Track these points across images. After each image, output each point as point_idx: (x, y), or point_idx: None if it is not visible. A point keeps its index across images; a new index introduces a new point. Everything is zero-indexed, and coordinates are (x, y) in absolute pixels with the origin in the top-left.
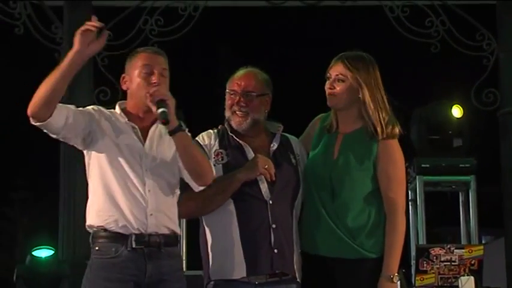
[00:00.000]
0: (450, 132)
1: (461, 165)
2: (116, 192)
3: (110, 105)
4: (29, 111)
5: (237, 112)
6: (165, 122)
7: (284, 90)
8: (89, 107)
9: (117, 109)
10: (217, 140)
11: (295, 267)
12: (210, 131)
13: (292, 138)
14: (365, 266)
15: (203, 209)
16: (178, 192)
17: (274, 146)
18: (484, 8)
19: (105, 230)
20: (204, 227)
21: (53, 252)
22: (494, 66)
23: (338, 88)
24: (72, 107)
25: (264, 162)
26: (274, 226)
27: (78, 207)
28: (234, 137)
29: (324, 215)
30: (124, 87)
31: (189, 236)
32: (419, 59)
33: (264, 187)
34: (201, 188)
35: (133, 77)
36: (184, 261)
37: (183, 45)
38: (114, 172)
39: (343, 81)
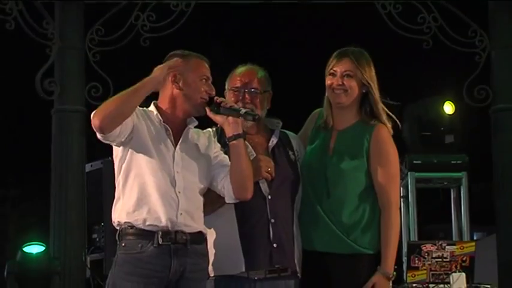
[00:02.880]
0: (442, 128)
1: (453, 162)
2: (150, 191)
3: (101, 101)
4: (100, 124)
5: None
6: (255, 119)
7: (277, 87)
8: None
9: (153, 108)
10: (216, 138)
11: (295, 261)
12: (209, 129)
13: (291, 134)
14: (360, 261)
15: (204, 211)
16: (202, 197)
17: (273, 142)
18: (476, 5)
19: (133, 227)
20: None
21: (44, 248)
22: (486, 63)
23: (348, 84)
24: None
25: (266, 164)
26: (273, 221)
27: (70, 203)
28: None
29: (319, 211)
30: (176, 86)
31: None
32: (411, 55)
33: (262, 183)
34: (236, 201)
35: (192, 80)
36: None
37: (175, 41)
38: (148, 172)
39: (351, 77)
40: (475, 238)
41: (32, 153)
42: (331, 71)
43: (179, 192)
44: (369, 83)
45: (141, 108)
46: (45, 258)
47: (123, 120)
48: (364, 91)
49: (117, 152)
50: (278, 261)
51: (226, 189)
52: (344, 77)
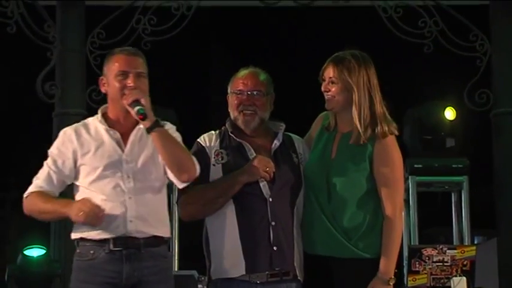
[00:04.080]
0: (443, 132)
1: (454, 166)
2: (98, 202)
3: (102, 104)
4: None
5: (245, 111)
6: (143, 118)
7: (281, 90)
8: (62, 138)
9: (99, 115)
10: (218, 141)
11: (295, 265)
12: (212, 132)
13: (295, 137)
14: (360, 266)
15: (204, 212)
16: (164, 194)
17: (276, 145)
18: (477, 9)
19: (86, 239)
20: (207, 228)
21: (44, 251)
22: (487, 67)
23: (332, 90)
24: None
25: (264, 164)
26: (273, 224)
27: None
28: (234, 137)
29: (321, 214)
30: (103, 90)
31: (182, 237)
32: (412, 59)
33: (263, 185)
34: (184, 184)
35: (111, 80)
36: (176, 262)
37: (176, 44)
38: (93, 184)
39: (335, 83)
40: (475, 242)
41: (32, 155)
42: (322, 77)
43: (130, 198)
44: (352, 88)
45: (81, 124)
46: (45, 261)
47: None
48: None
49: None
50: (278, 264)
51: (172, 177)
52: (329, 83)
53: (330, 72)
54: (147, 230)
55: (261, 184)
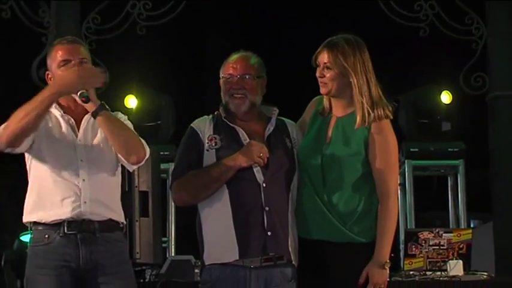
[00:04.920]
0: (439, 116)
1: (449, 150)
2: (49, 187)
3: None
4: (5, 141)
5: (235, 95)
6: (85, 100)
7: (275, 75)
8: None
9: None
10: (212, 126)
11: (290, 250)
12: (205, 117)
13: (288, 122)
14: (355, 250)
15: (197, 197)
16: (118, 179)
17: (270, 129)
18: None
19: (39, 223)
20: (200, 213)
21: None
22: (483, 51)
23: (327, 76)
24: None
25: (258, 149)
26: (267, 209)
27: None
28: (227, 122)
29: (316, 198)
30: (50, 83)
31: (178, 222)
32: (408, 43)
33: (257, 170)
34: (135, 166)
35: (54, 70)
36: (173, 247)
37: (171, 29)
38: (47, 168)
39: (330, 68)
40: (471, 226)
41: None
42: (316, 62)
43: (83, 180)
44: (348, 72)
45: None
46: None
47: (31, 132)
48: (349, 81)
49: (26, 160)
50: (272, 249)
51: (122, 160)
52: (324, 68)
53: (324, 57)
54: (102, 212)
55: (255, 169)
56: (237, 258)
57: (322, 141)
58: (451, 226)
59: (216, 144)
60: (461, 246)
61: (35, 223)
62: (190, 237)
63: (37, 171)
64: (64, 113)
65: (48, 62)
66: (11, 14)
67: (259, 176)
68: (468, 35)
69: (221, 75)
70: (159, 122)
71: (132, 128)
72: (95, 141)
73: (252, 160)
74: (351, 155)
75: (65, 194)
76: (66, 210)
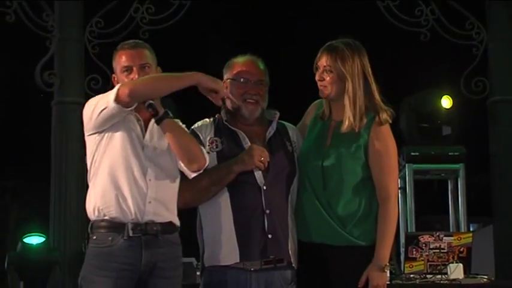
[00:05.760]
0: (439, 120)
1: (450, 154)
2: (119, 180)
3: (101, 93)
4: (128, 96)
5: (249, 100)
6: (155, 114)
7: (276, 79)
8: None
9: None
10: (213, 128)
11: (290, 252)
12: (206, 119)
13: (289, 125)
14: (355, 253)
15: (199, 199)
16: (177, 184)
17: (270, 133)
18: None
19: (104, 219)
20: (200, 216)
21: (44, 239)
22: (484, 55)
23: (327, 79)
24: None
25: (259, 153)
26: (268, 212)
27: (70, 194)
28: (228, 125)
29: (316, 202)
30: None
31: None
32: (409, 47)
33: (258, 173)
34: (195, 174)
35: (119, 76)
36: None
37: (174, 33)
38: (120, 160)
39: (330, 72)
40: (471, 229)
41: (31, 144)
42: (316, 65)
43: (149, 180)
44: (345, 77)
45: None
46: (45, 249)
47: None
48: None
49: (92, 140)
50: (273, 252)
51: (182, 166)
52: (324, 72)
53: (323, 61)
54: (165, 214)
55: (256, 173)
56: (238, 260)
57: (322, 145)
58: (451, 230)
59: (217, 147)
60: (461, 249)
61: (100, 219)
62: (192, 240)
63: (110, 160)
64: (134, 111)
65: (114, 65)
66: (15, 17)
67: (259, 179)
68: (469, 40)
69: (230, 76)
70: None
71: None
72: (160, 145)
73: (253, 164)
74: (351, 159)
75: (133, 190)
76: (132, 207)
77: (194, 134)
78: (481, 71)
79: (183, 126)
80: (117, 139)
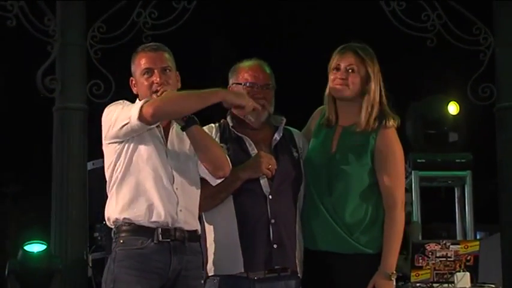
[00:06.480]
0: (446, 127)
1: (457, 161)
2: (148, 186)
3: (103, 98)
4: (151, 116)
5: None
6: (186, 121)
7: (280, 83)
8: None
9: None
10: (219, 134)
11: (296, 261)
12: (212, 124)
13: (294, 131)
14: (362, 261)
15: (203, 206)
16: (199, 191)
17: (276, 139)
18: (480, 2)
19: (130, 223)
20: (204, 223)
21: (45, 246)
22: (491, 61)
23: (351, 79)
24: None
25: (267, 161)
26: (273, 221)
27: (71, 201)
28: (235, 131)
29: (322, 209)
30: (134, 90)
31: None
32: (415, 53)
33: (263, 181)
34: (219, 181)
35: (138, 78)
36: None
37: (177, 38)
38: (148, 168)
39: (354, 71)
40: (478, 237)
41: (33, 150)
42: (335, 65)
43: (177, 188)
44: (369, 77)
45: None
46: (46, 256)
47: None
48: (367, 86)
49: (112, 149)
50: (278, 262)
51: (206, 173)
52: (348, 71)
53: (348, 60)
54: (192, 222)
55: (261, 181)
56: (242, 270)
57: (327, 151)
58: (458, 238)
59: None
60: (468, 258)
61: (126, 224)
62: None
63: (135, 170)
64: None
65: (132, 68)
66: (16, 22)
67: (265, 187)
68: (476, 45)
69: (236, 81)
70: None
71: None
72: (182, 152)
73: (260, 171)
74: (358, 165)
75: (164, 198)
76: (164, 214)
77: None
78: (488, 76)
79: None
80: (142, 147)
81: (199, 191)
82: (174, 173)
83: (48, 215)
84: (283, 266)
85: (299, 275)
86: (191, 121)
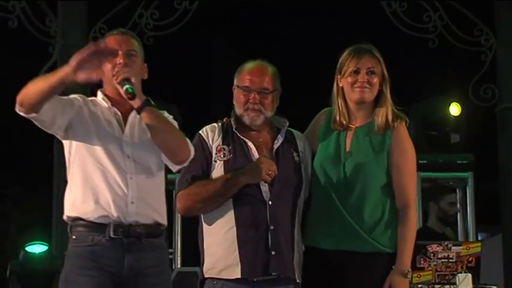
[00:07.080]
0: (447, 128)
1: (458, 162)
2: (95, 180)
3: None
4: (19, 104)
5: (250, 109)
6: (131, 97)
7: (282, 85)
8: (71, 95)
9: (99, 95)
10: (221, 135)
11: (294, 268)
12: (214, 124)
13: (297, 134)
14: (379, 260)
15: (202, 208)
16: (163, 180)
17: (278, 142)
18: (482, 3)
19: (83, 219)
20: (202, 224)
21: (46, 248)
22: (493, 62)
23: (372, 81)
24: (56, 96)
25: (268, 166)
26: (272, 228)
27: None
28: (238, 134)
29: (340, 209)
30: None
31: (185, 232)
32: (417, 54)
33: (264, 186)
34: (178, 167)
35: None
36: (179, 258)
37: (178, 39)
38: (94, 160)
39: (375, 73)
40: (479, 238)
41: (33, 150)
42: (354, 68)
43: (131, 178)
44: (385, 78)
45: (88, 98)
46: (47, 257)
47: (43, 102)
48: (383, 87)
49: (65, 145)
50: (275, 269)
51: (165, 159)
52: (369, 73)
53: (370, 62)
54: (149, 214)
55: (262, 186)
56: (239, 276)
57: (341, 152)
58: (459, 239)
59: (224, 156)
60: (470, 259)
61: (78, 220)
62: (197, 249)
63: (81, 165)
64: (111, 105)
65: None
66: (18, 23)
67: (265, 193)
68: (477, 46)
69: (236, 83)
70: None
71: (177, 127)
72: (142, 139)
73: (260, 177)
74: (375, 164)
75: (112, 191)
76: (113, 209)
77: (201, 139)
78: (490, 77)
79: (174, 122)
80: (91, 141)
81: (161, 180)
82: (130, 161)
83: (49, 216)
84: (280, 272)
85: (298, 280)
86: (145, 103)
